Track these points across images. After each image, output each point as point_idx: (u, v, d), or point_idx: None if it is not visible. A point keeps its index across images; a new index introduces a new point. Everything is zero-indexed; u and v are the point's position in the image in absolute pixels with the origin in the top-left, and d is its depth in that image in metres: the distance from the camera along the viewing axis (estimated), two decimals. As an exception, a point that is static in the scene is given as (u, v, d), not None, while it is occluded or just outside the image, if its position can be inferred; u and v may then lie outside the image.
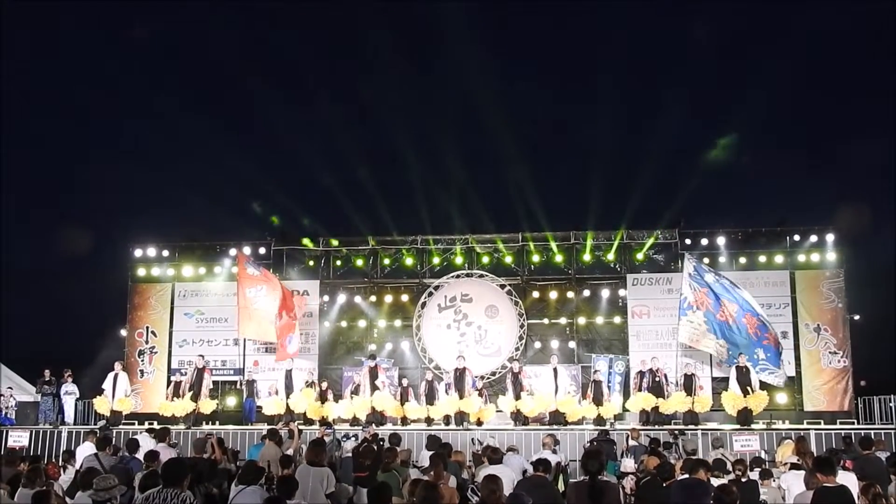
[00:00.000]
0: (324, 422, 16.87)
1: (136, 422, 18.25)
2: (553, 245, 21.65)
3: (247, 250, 21.08)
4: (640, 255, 21.54)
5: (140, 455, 10.08)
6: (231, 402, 21.19)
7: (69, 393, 18.49)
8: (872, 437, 11.28)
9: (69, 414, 18.39)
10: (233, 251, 21.82)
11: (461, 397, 16.86)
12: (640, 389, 17.27)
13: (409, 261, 22.19)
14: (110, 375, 17.89)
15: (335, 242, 22.17)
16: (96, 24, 35.26)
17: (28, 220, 30.88)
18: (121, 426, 16.94)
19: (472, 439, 14.39)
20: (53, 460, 13.03)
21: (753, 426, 16.10)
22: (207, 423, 17.65)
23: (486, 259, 22.08)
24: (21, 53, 32.62)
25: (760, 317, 17.79)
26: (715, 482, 7.54)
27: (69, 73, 33.98)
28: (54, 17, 33.60)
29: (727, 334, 17.61)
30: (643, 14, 34.08)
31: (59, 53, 36.19)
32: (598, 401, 17.20)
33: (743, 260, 20.77)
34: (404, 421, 17.76)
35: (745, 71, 33.71)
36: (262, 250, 21.63)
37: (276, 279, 19.59)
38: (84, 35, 35.89)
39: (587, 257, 21.74)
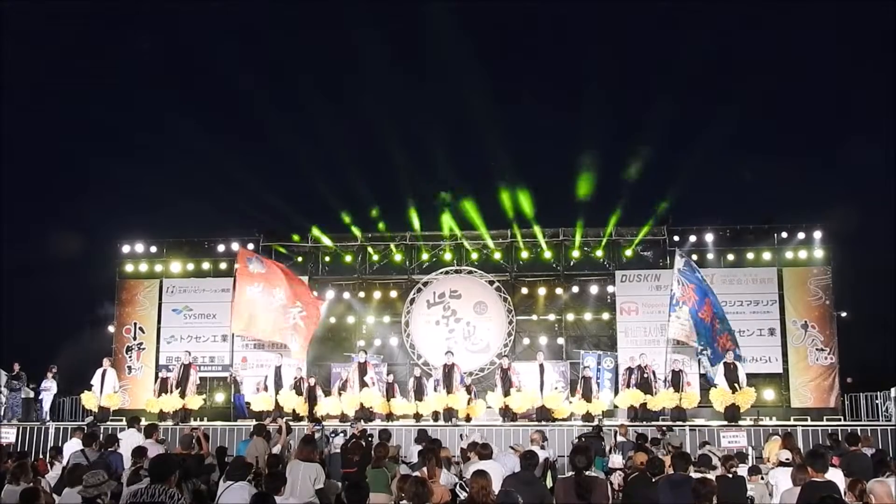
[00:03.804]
0: (312, 418, 16.83)
1: (124, 418, 18.13)
2: (542, 241, 21.66)
3: (235, 246, 21.02)
4: (628, 252, 21.59)
5: (123, 450, 10.04)
6: (219, 398, 21.15)
7: (46, 389, 18.14)
8: (859, 433, 11.36)
9: (45, 411, 17.80)
10: (221, 247, 21.85)
11: (449, 393, 16.87)
12: (628, 386, 17.31)
13: (397, 257, 22.19)
14: (98, 371, 17.78)
15: (324, 239, 22.11)
16: (93, 24, 35.13)
17: (15, 215, 30.64)
18: (108, 422, 16.86)
19: (461, 435, 14.40)
20: (41, 457, 12.94)
21: (741, 422, 16.16)
22: (195, 420, 17.60)
23: (474, 255, 22.09)
24: (18, 52, 32.40)
25: (724, 322, 17.85)
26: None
27: (62, 73, 33.83)
28: (52, 16, 33.44)
29: (702, 332, 17.66)
30: (633, 14, 34.13)
31: (57, 53, 36.03)
32: (587, 397, 17.25)
33: (731, 257, 20.85)
34: (391, 417, 17.74)
35: (736, 71, 33.83)
36: (250, 246, 21.52)
37: (280, 272, 19.24)
38: (81, 35, 35.75)
39: (576, 254, 21.81)
